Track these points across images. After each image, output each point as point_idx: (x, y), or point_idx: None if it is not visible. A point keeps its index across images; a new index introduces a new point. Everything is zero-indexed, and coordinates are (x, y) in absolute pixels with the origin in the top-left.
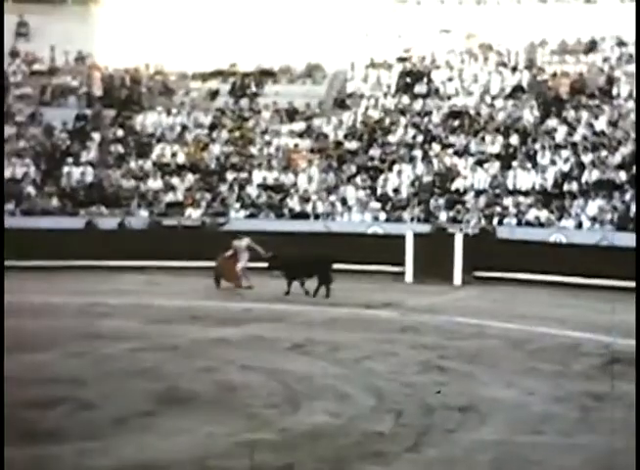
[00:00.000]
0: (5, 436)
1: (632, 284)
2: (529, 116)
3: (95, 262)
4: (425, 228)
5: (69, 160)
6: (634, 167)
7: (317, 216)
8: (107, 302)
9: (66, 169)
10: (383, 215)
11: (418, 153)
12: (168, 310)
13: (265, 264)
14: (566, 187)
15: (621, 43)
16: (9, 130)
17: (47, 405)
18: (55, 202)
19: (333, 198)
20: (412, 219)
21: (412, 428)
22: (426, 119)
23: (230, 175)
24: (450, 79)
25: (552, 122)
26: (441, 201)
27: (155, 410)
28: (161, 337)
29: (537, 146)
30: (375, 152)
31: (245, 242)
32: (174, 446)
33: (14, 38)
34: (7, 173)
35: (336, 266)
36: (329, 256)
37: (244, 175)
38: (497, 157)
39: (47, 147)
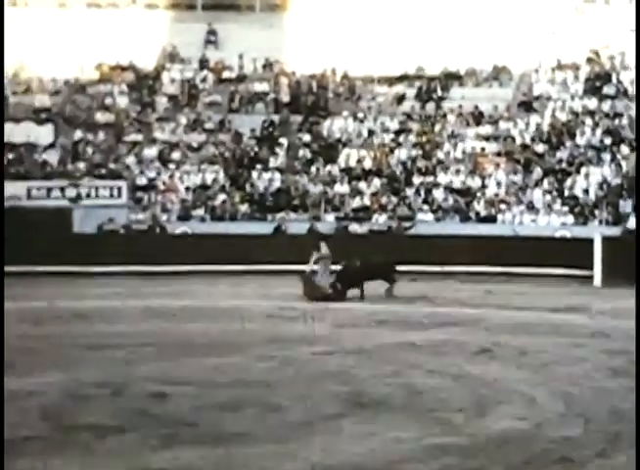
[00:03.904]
0: (195, 436)
1: None
2: None
3: (282, 267)
4: (613, 231)
5: (258, 165)
6: None
7: (504, 220)
8: (294, 305)
9: (254, 175)
10: (570, 219)
11: (606, 155)
12: (355, 314)
13: None
14: None
15: None
16: (199, 137)
17: (236, 408)
18: (243, 207)
19: (520, 201)
20: (600, 222)
21: (602, 434)
22: (615, 121)
23: (416, 179)
24: None
25: None
26: (630, 203)
27: (342, 414)
28: (348, 341)
29: None
30: (562, 154)
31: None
32: (362, 449)
33: (203, 46)
34: (197, 180)
35: (522, 270)
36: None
37: (430, 179)
38: None
39: (236, 153)
